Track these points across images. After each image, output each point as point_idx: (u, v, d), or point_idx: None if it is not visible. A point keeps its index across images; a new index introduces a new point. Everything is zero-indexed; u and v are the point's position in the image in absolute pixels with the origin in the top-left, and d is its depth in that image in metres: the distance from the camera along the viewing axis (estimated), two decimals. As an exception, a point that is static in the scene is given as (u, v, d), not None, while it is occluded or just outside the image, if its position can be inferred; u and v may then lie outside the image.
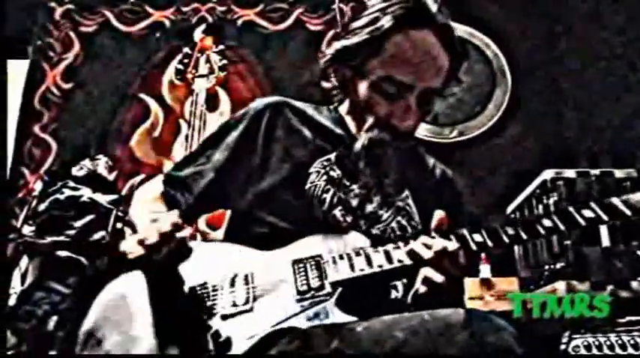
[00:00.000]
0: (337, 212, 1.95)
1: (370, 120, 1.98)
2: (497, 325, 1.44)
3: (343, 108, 2.19)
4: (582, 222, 1.69)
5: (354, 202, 1.98)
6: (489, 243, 1.71)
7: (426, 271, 1.66)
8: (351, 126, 2.11)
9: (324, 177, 1.99)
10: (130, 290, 1.82)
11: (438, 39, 1.95)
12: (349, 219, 1.95)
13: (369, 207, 2.00)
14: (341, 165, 2.02)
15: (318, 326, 1.61)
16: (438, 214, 1.75)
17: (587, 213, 1.70)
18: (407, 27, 1.93)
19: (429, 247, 1.67)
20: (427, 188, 2.16)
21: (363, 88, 1.99)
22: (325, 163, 2.02)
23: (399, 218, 2.03)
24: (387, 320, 1.54)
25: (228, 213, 2.15)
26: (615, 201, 1.70)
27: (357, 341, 1.50)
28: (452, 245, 1.67)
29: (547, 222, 1.71)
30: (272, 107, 2.13)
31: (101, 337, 1.73)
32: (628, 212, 1.68)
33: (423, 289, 1.70)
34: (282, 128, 2.09)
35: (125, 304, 1.79)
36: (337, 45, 2.07)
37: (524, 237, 1.71)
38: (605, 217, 1.69)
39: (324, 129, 2.13)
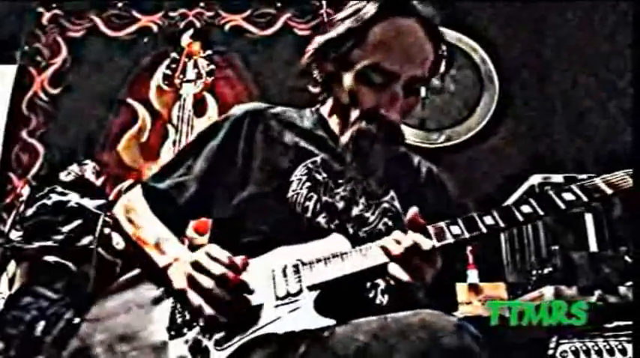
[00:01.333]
0: (321, 219, 1.93)
1: (357, 113, 1.95)
2: (456, 325, 1.42)
3: (325, 109, 2.18)
4: (562, 205, 1.64)
5: (340, 205, 1.97)
6: (467, 235, 1.65)
7: (392, 269, 1.63)
8: (334, 126, 2.10)
9: (307, 184, 1.96)
10: (118, 308, 1.83)
11: (422, 28, 1.94)
12: (336, 223, 1.93)
13: (355, 210, 1.98)
14: (326, 169, 2.01)
15: (293, 331, 1.59)
16: (411, 211, 1.70)
17: (568, 196, 1.65)
18: (391, 14, 1.93)
19: (399, 243, 1.64)
20: (413, 187, 2.14)
21: (348, 79, 1.96)
22: (310, 166, 1.99)
23: (386, 219, 2.00)
24: (354, 324, 1.53)
25: (211, 221, 2.12)
26: (597, 180, 1.66)
27: (324, 346, 1.50)
28: (426, 244, 1.62)
29: (526, 208, 1.66)
30: (251, 114, 2.10)
31: (89, 354, 1.74)
32: (609, 191, 1.63)
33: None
34: (262, 135, 2.06)
35: (113, 322, 1.79)
36: (320, 39, 2.05)
37: (502, 225, 1.66)
38: (585, 198, 1.65)
39: (306, 132, 2.10)
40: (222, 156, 2.04)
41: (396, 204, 2.05)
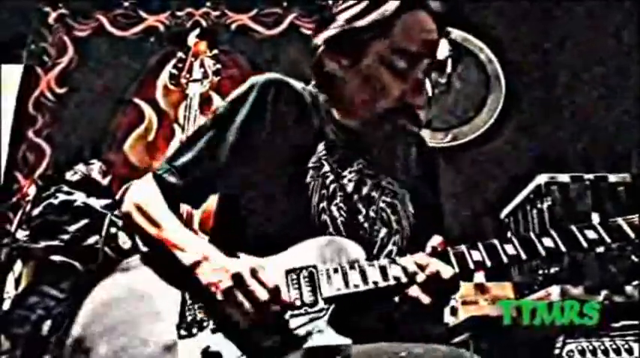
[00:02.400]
0: (334, 207, 1.92)
1: (383, 104, 1.96)
2: None
3: (322, 97, 2.16)
4: (585, 244, 1.68)
5: (350, 187, 1.98)
6: (488, 263, 1.68)
7: (413, 291, 1.65)
8: (335, 114, 2.10)
9: (323, 169, 1.96)
10: (120, 294, 1.81)
11: (433, 20, 1.98)
12: (348, 206, 1.94)
13: (365, 189, 2.00)
14: (331, 153, 2.00)
15: (306, 347, 1.57)
16: (434, 240, 1.74)
17: (590, 234, 1.69)
18: (409, 8, 1.96)
19: (422, 268, 1.65)
20: (406, 165, 2.17)
21: (370, 67, 1.97)
22: (320, 154, 1.99)
23: (384, 196, 2.02)
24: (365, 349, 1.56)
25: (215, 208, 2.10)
26: (620, 221, 1.69)
27: None
28: (447, 272, 1.65)
29: (548, 242, 1.69)
30: (275, 83, 2.08)
31: (89, 346, 1.72)
32: (632, 234, 1.67)
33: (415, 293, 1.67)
34: (285, 106, 2.04)
35: (115, 310, 1.77)
36: (332, 31, 2.03)
37: (524, 257, 1.69)
38: (608, 239, 1.68)
39: (312, 113, 2.09)
40: (252, 126, 2.00)
41: (391, 180, 2.06)
